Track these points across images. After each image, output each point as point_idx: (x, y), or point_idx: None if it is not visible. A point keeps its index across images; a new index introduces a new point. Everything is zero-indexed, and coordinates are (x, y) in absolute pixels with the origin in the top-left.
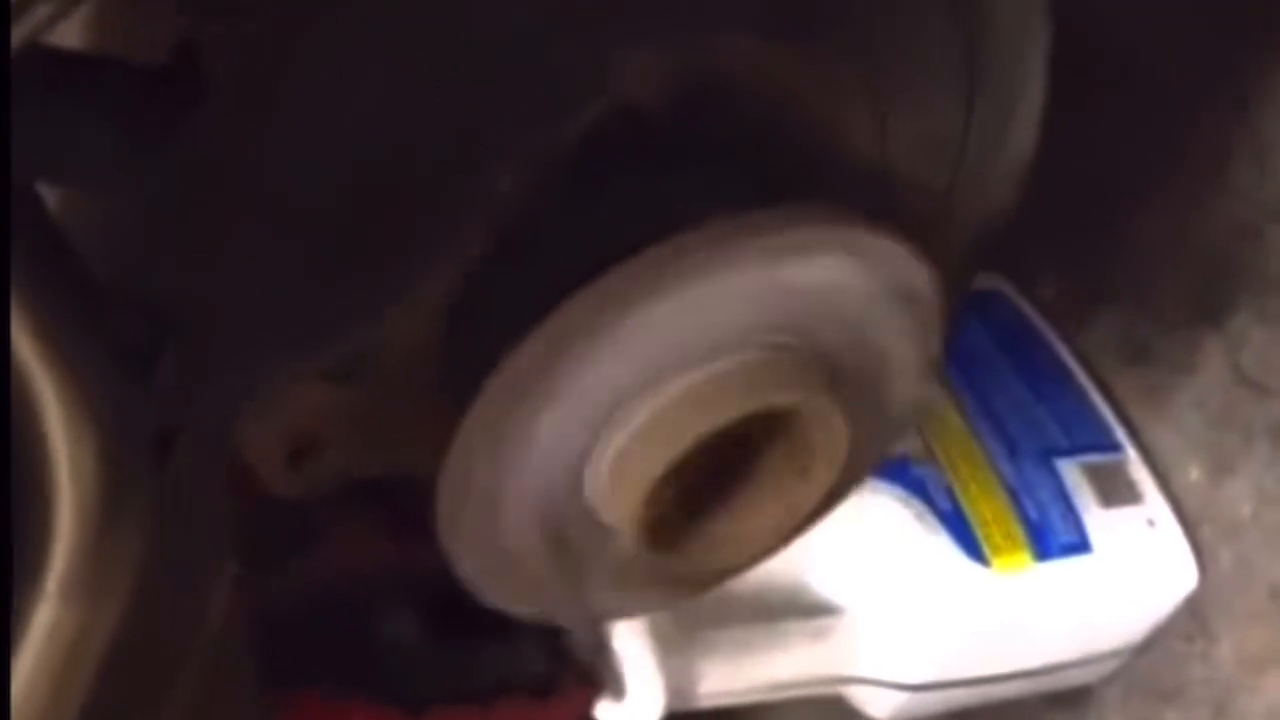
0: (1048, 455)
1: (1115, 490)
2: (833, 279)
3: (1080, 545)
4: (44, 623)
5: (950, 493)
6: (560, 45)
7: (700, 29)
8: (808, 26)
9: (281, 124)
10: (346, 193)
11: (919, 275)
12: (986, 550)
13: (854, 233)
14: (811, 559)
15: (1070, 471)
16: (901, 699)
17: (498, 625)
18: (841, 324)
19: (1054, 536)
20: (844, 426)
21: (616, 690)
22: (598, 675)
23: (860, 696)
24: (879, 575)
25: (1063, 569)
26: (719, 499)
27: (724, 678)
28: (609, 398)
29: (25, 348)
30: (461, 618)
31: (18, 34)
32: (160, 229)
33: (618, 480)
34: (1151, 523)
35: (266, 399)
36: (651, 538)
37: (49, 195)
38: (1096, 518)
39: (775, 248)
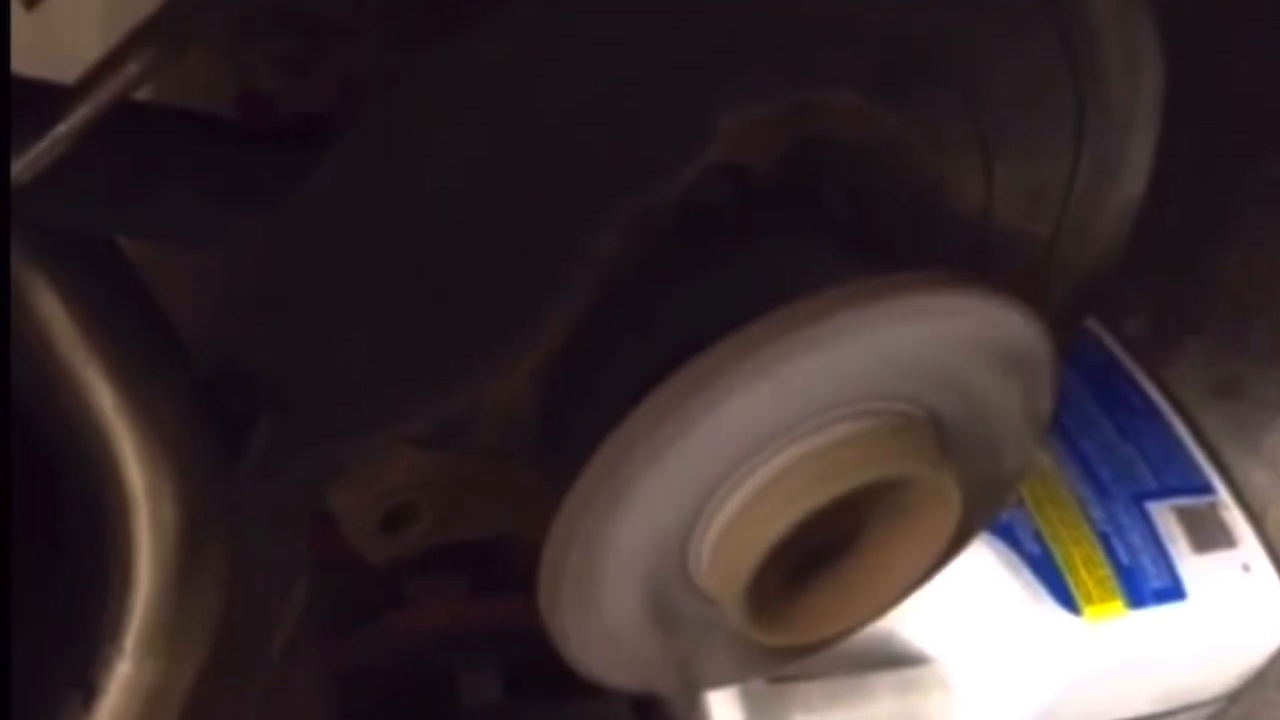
0: (1138, 498)
1: (1208, 534)
2: (944, 344)
3: (1174, 592)
4: (123, 677)
5: (1039, 538)
6: (665, 104)
7: (806, 88)
8: (915, 83)
9: (383, 193)
10: (448, 258)
11: (1031, 337)
12: (1078, 598)
13: (964, 297)
14: (899, 608)
15: (1162, 515)
16: None
17: (582, 683)
18: (953, 389)
19: (1147, 583)
20: (956, 493)
21: None
22: None
23: None
24: (968, 624)
25: (1156, 617)
26: (825, 570)
27: None
28: (714, 472)
29: (107, 404)
30: (545, 677)
31: (108, 90)
32: (257, 295)
33: (723, 555)
34: (1246, 567)
35: (361, 466)
36: (756, 612)
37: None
38: (1189, 563)
39: (885, 315)
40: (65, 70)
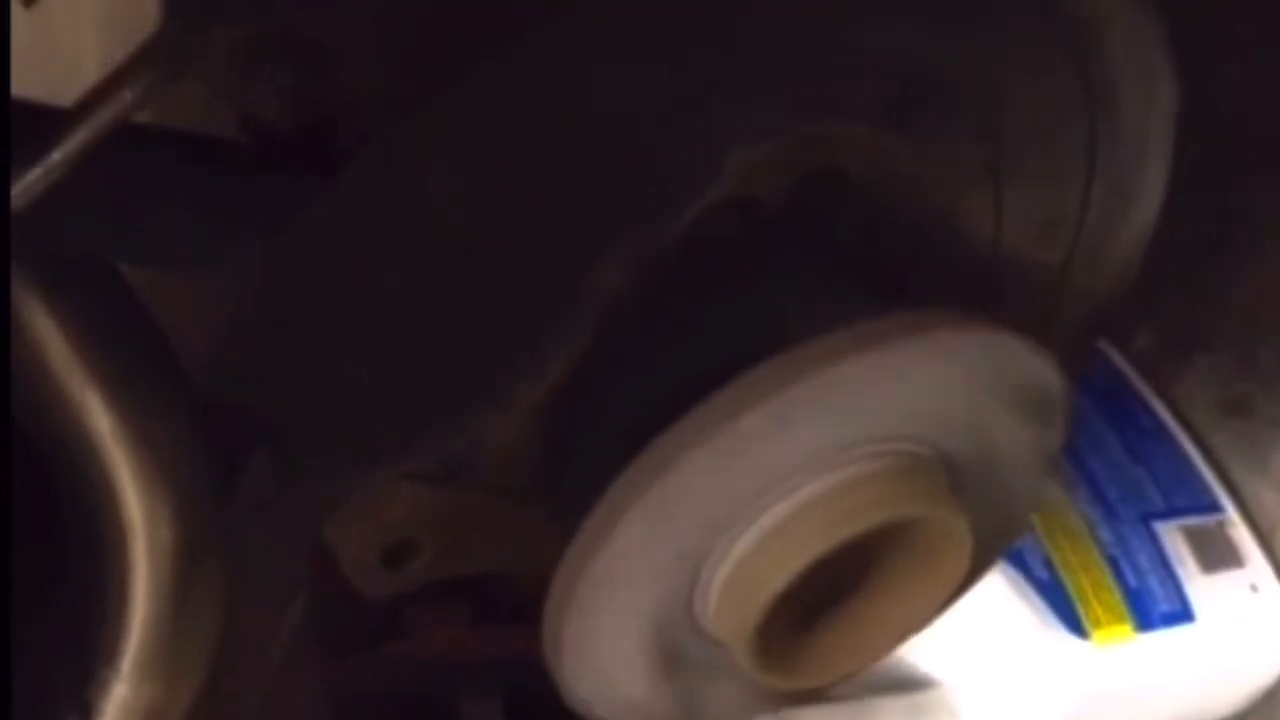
0: (1146, 519)
1: (1216, 554)
2: (954, 385)
3: (1182, 614)
4: (119, 699)
5: (1048, 562)
6: (673, 137)
7: (815, 120)
8: (926, 114)
9: (386, 222)
10: (450, 290)
11: (1043, 374)
12: (1086, 622)
13: (975, 337)
14: None
15: (1170, 535)
16: None
17: None
18: (963, 429)
19: (1155, 606)
20: (966, 533)
21: None
22: None
23: None
24: (975, 648)
25: (1165, 640)
26: (834, 611)
27: None
28: (720, 518)
29: (104, 427)
30: (545, 707)
31: (105, 115)
32: (256, 320)
33: (731, 599)
34: (1255, 588)
35: (361, 501)
36: (764, 655)
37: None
38: (1198, 584)
39: (895, 358)
40: (65, 72)
